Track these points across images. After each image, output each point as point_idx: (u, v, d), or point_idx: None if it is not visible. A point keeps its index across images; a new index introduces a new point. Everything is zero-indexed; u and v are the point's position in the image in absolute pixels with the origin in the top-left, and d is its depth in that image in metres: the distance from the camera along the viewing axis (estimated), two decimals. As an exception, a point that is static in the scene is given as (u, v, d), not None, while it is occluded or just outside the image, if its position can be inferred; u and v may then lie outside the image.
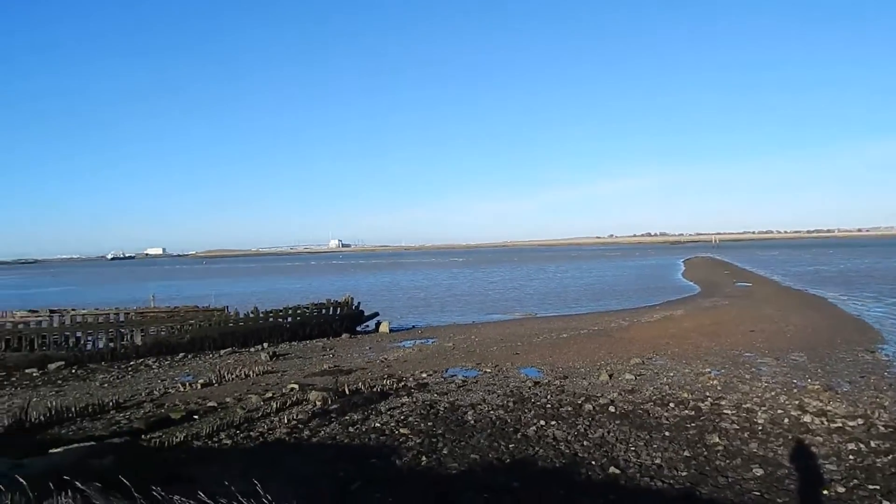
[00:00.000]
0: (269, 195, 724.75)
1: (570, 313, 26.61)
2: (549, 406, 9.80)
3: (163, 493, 3.75)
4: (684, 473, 6.69)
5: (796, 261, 68.04)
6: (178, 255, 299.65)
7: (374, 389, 11.16)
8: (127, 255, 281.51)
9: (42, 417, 9.32)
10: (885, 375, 11.54)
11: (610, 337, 17.82)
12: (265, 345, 18.51)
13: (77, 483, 4.00)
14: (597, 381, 11.63)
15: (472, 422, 8.94)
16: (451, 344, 17.64)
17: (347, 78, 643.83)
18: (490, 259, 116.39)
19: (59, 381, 13.97)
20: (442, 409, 9.74)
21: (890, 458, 6.96)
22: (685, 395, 10.27)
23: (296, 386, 11.79)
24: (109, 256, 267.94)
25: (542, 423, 8.77)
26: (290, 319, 20.33)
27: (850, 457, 7.05)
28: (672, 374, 12.05)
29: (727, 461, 7.05)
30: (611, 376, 11.96)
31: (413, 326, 23.57)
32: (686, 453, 7.34)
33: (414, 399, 10.46)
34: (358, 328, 22.35)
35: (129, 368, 15.45)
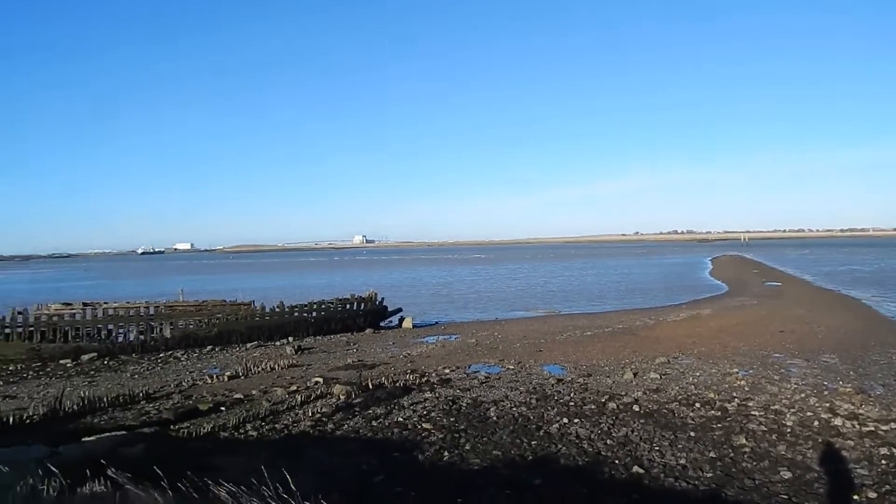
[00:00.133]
0: (295, 192, 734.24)
1: (594, 311, 26.42)
2: (572, 404, 9.75)
3: (193, 480, 3.84)
4: (710, 474, 6.59)
5: (828, 260, 66.32)
6: (206, 251, 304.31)
7: (397, 384, 11.24)
8: (157, 249, 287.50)
9: (75, 407, 9.60)
10: (921, 379, 11.20)
11: (635, 335, 17.63)
12: (290, 339, 18.77)
13: (109, 471, 4.12)
14: (621, 380, 11.52)
15: (495, 418, 8.94)
16: (474, 340, 17.65)
17: (380, 75, 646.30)
18: (514, 256, 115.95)
19: (92, 372, 14.37)
20: (464, 404, 9.76)
21: (925, 463, 6.75)
22: (711, 395, 10.11)
23: (320, 379, 11.93)
24: (140, 251, 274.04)
25: (565, 420, 8.74)
26: (314, 314, 20.63)
27: (883, 461, 6.86)
28: (698, 374, 11.88)
29: (754, 463, 6.92)
30: (635, 375, 11.84)
31: (436, 322, 23.65)
32: (712, 454, 7.23)
33: (437, 394, 10.50)
34: (381, 323, 22.51)
35: (159, 360, 15.83)
